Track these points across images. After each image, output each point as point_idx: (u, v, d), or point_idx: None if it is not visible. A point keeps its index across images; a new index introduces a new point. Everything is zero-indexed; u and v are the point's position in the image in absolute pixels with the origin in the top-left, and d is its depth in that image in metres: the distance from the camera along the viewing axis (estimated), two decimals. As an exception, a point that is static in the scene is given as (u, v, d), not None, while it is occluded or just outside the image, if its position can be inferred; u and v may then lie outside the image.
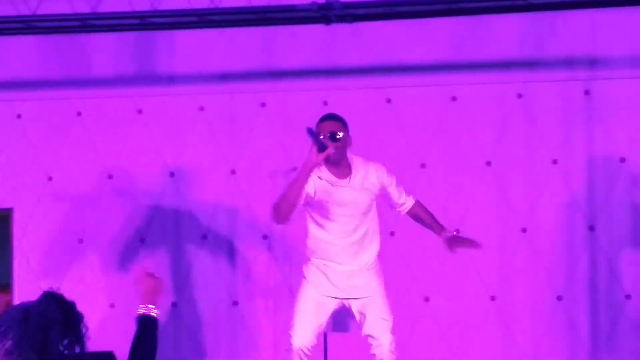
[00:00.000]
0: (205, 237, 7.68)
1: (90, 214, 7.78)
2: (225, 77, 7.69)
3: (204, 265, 7.65)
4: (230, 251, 7.63)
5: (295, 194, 5.81)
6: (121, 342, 7.63)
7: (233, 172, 7.70)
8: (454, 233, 6.15)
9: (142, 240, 7.74)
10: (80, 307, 7.84)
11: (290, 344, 5.91)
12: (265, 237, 7.61)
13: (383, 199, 6.11)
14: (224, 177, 7.67)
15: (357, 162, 6.03)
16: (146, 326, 3.91)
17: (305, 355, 5.90)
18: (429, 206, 7.41)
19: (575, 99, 7.40)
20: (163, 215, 7.72)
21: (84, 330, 3.35)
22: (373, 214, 6.08)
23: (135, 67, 7.75)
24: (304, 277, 6.05)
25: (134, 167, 7.76)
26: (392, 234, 7.50)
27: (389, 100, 7.58)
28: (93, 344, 7.60)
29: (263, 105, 7.68)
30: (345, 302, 6.02)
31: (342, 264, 5.98)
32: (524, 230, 7.41)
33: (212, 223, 7.67)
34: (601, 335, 7.27)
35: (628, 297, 7.29)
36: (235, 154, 7.68)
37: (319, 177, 5.91)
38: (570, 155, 7.40)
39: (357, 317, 6.01)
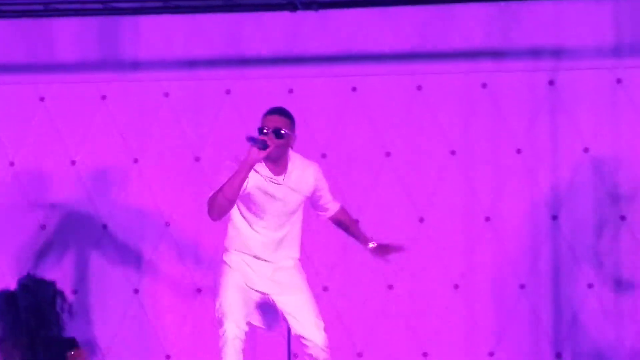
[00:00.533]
0: (168, 224, 7.65)
1: (53, 199, 7.72)
2: (190, 63, 7.66)
3: (168, 252, 7.62)
4: (194, 238, 7.60)
5: (234, 190, 5.64)
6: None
7: (197, 159, 7.67)
8: (377, 243, 6.06)
9: (104, 227, 7.69)
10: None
11: (224, 335, 5.73)
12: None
13: (309, 201, 5.97)
14: (188, 164, 7.64)
15: (295, 161, 5.87)
16: None
17: (241, 342, 5.75)
18: (395, 195, 7.47)
19: (540, 89, 7.44)
20: (126, 201, 7.67)
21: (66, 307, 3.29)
22: (298, 216, 5.92)
23: (100, 53, 7.70)
24: (226, 264, 5.89)
25: (98, 153, 7.71)
26: (356, 221, 7.50)
27: (354, 89, 7.58)
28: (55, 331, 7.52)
29: (228, 92, 7.65)
30: (270, 298, 5.89)
31: (261, 259, 5.87)
32: (487, 219, 7.44)
33: (176, 210, 7.64)
34: (563, 323, 7.32)
35: (590, 286, 7.34)
36: (200, 141, 7.66)
37: (255, 170, 5.76)
38: (535, 145, 7.44)
39: (285, 315, 5.88)
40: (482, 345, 7.37)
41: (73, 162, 7.74)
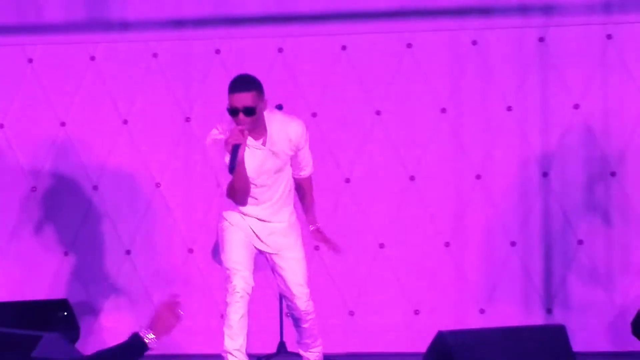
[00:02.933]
0: (159, 185, 7.65)
1: (43, 162, 7.71)
2: (179, 23, 7.62)
3: (159, 212, 7.62)
4: (184, 198, 7.61)
5: (242, 178, 5.68)
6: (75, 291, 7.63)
7: (187, 119, 7.65)
8: (318, 227, 6.05)
9: (95, 188, 7.69)
10: (36, 256, 7.79)
11: (233, 291, 5.75)
12: (219, 184, 7.58)
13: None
14: (178, 124, 7.63)
15: (273, 122, 5.80)
16: (134, 346, 3.77)
17: (248, 297, 5.77)
18: (385, 153, 7.47)
19: (530, 46, 7.43)
20: (117, 162, 7.67)
21: None
22: (287, 172, 5.92)
23: (88, 13, 7.65)
24: (225, 220, 5.89)
25: (87, 114, 7.69)
26: (347, 180, 7.52)
27: (344, 47, 7.55)
28: (47, 293, 7.58)
29: (217, 52, 7.62)
30: (266, 255, 5.95)
31: (260, 220, 5.89)
32: (478, 177, 7.45)
33: (166, 171, 7.63)
34: (554, 280, 7.36)
35: (580, 242, 7.37)
36: (190, 101, 7.64)
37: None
38: (525, 103, 7.43)
39: (274, 272, 5.95)
40: (473, 303, 7.40)
41: (63, 124, 7.72)
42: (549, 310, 7.36)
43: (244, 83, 5.74)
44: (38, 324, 7.04)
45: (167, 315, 3.86)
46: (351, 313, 7.49)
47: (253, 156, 5.76)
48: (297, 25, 7.57)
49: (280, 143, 5.80)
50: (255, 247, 5.92)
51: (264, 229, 5.91)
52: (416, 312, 7.46)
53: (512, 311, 7.32)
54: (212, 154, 5.80)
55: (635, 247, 7.30)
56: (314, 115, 7.48)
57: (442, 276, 7.41)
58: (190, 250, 7.62)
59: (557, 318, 7.24)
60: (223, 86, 7.51)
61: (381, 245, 7.50)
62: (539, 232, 7.39)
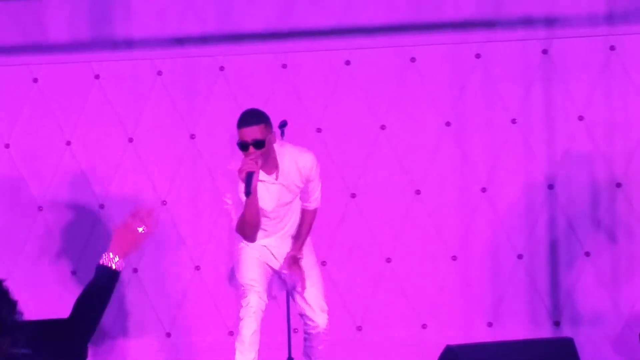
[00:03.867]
0: (165, 202, 7.65)
1: (49, 181, 7.72)
2: (182, 40, 7.64)
3: (165, 230, 7.62)
4: (191, 216, 7.61)
5: (254, 213, 5.77)
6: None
7: (192, 136, 7.66)
8: (296, 255, 6.06)
9: (101, 206, 7.70)
10: (43, 275, 7.83)
11: (247, 306, 5.82)
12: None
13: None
14: (183, 141, 7.64)
15: (284, 154, 5.90)
16: (104, 278, 3.67)
17: (262, 314, 5.84)
18: (391, 167, 7.48)
19: (534, 58, 7.43)
20: (122, 180, 7.68)
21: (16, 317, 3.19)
22: (297, 202, 6.03)
23: (92, 32, 7.67)
24: (240, 241, 6.00)
25: (92, 132, 7.70)
26: (353, 195, 7.52)
27: (347, 62, 7.56)
28: (53, 312, 7.58)
29: (222, 69, 7.64)
30: (283, 276, 6.01)
31: (273, 247, 6.00)
32: (484, 190, 7.45)
33: (172, 188, 7.64)
34: (561, 293, 7.35)
35: (587, 254, 7.36)
36: (195, 118, 7.65)
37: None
38: (529, 115, 7.43)
39: (292, 292, 6.02)
40: (480, 316, 7.39)
41: (68, 143, 7.74)
42: (556, 323, 7.35)
43: (252, 116, 5.84)
44: (46, 343, 7.03)
45: (125, 234, 3.75)
46: (359, 328, 7.49)
47: (267, 191, 5.85)
48: (300, 40, 7.58)
49: (291, 175, 5.88)
50: (271, 267, 5.95)
51: (280, 249, 5.99)
52: (424, 327, 7.45)
53: (520, 324, 7.31)
54: (222, 186, 5.92)
55: (642, 258, 7.30)
56: (319, 130, 7.49)
57: (449, 290, 7.40)
58: (197, 268, 7.62)
59: (565, 331, 7.22)
60: (227, 103, 7.58)
61: (388, 260, 7.50)
62: (545, 244, 7.38)
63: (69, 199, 7.71)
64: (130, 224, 3.77)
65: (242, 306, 5.85)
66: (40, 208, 7.73)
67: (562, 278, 7.36)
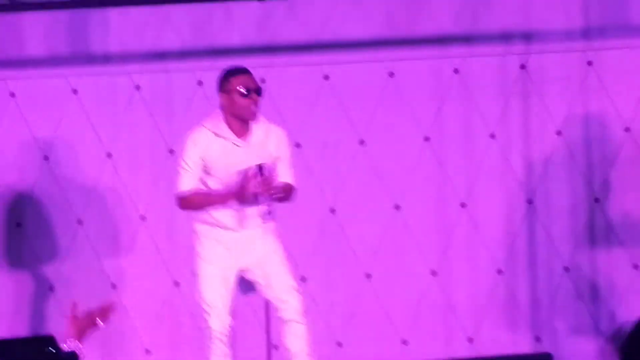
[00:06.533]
0: (144, 217, 7.61)
1: (27, 196, 7.66)
2: (161, 55, 7.61)
3: (144, 246, 7.59)
4: (170, 231, 7.57)
5: (212, 207, 5.72)
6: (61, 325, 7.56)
7: (171, 151, 7.63)
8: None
9: (79, 222, 7.64)
10: (19, 288, 7.75)
11: (208, 332, 5.75)
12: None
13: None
14: (161, 156, 7.60)
15: (259, 123, 5.85)
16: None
17: (226, 337, 5.75)
18: (370, 182, 7.48)
19: (512, 73, 7.47)
20: (101, 196, 7.63)
21: None
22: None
23: (70, 47, 7.63)
24: (198, 255, 5.87)
25: (70, 148, 7.65)
26: (332, 210, 7.51)
27: (326, 77, 7.56)
28: (32, 329, 7.51)
29: (200, 83, 7.62)
30: (245, 270, 5.85)
31: (234, 230, 5.80)
32: (463, 205, 7.47)
33: (151, 203, 7.60)
34: (541, 308, 7.37)
35: (567, 269, 7.39)
36: (173, 133, 7.61)
37: (215, 134, 5.76)
38: (508, 130, 7.47)
39: (258, 284, 5.84)
40: (461, 332, 7.40)
41: (46, 158, 7.68)
42: (537, 339, 7.37)
43: (245, 67, 5.84)
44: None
45: (83, 322, 3.87)
46: (339, 344, 7.48)
47: (234, 153, 5.72)
48: (279, 55, 7.58)
49: (261, 147, 5.79)
50: (233, 276, 5.80)
51: (237, 241, 5.80)
52: (404, 342, 7.45)
53: (500, 339, 7.33)
54: (189, 150, 5.84)
55: (621, 272, 7.33)
56: (298, 145, 7.48)
57: (429, 305, 7.40)
58: (177, 284, 7.58)
59: (546, 346, 7.24)
60: (206, 117, 7.54)
61: (367, 275, 7.49)
62: (525, 259, 7.41)
63: (46, 215, 7.65)
64: (91, 315, 3.85)
65: (205, 333, 5.77)
66: (18, 224, 7.66)
67: (542, 293, 7.38)
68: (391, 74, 7.53)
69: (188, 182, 5.85)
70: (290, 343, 5.85)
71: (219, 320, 5.72)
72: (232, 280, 5.83)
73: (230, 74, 5.84)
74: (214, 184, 5.83)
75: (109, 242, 7.60)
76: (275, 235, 5.93)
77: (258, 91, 5.75)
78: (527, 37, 7.45)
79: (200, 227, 5.89)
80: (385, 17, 7.51)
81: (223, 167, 5.76)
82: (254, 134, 5.78)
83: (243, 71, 5.84)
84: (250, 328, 7.22)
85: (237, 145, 5.74)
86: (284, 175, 5.89)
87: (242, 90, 5.71)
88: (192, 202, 5.78)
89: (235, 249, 5.83)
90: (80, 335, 3.77)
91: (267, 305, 6.27)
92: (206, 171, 5.84)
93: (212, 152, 5.74)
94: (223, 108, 5.85)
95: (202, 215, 5.86)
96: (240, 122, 5.75)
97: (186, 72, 7.59)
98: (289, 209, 6.16)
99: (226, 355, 5.73)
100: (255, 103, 5.72)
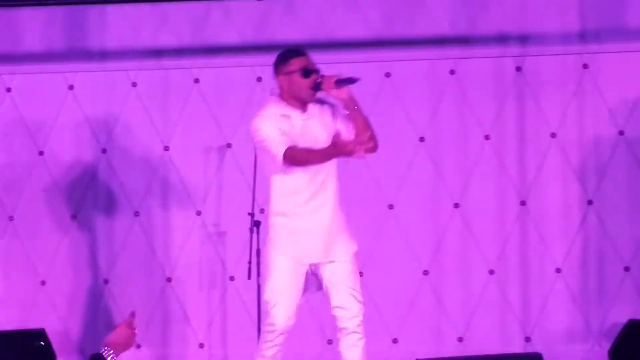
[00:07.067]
0: (138, 214, 7.64)
1: (21, 191, 7.69)
2: (157, 52, 7.64)
3: (137, 242, 7.61)
4: (163, 227, 7.60)
5: (311, 158, 5.55)
6: (51, 319, 7.59)
7: (166, 148, 7.66)
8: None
9: (73, 217, 7.67)
10: (10, 284, 7.79)
11: (272, 324, 5.55)
12: (198, 213, 7.59)
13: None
14: (157, 153, 7.63)
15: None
16: None
17: (287, 334, 5.57)
18: (364, 182, 7.49)
19: (507, 75, 7.47)
20: (96, 191, 7.66)
21: None
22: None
23: (67, 42, 7.66)
24: (272, 245, 5.64)
25: (66, 143, 7.69)
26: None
27: (322, 76, 7.56)
28: (24, 322, 7.54)
29: (196, 81, 7.64)
30: (314, 267, 5.67)
31: (308, 218, 5.62)
32: (456, 205, 7.48)
33: (145, 199, 7.62)
34: (532, 309, 7.37)
35: (558, 270, 7.39)
36: (169, 130, 7.64)
37: (280, 114, 5.62)
38: (502, 131, 7.47)
39: (325, 282, 5.66)
40: (451, 331, 7.41)
41: (41, 153, 7.71)
42: (527, 339, 7.37)
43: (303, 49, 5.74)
44: (14, 355, 6.99)
45: (126, 333, 3.97)
46: (329, 342, 7.47)
47: (302, 127, 5.60)
48: (275, 54, 7.57)
49: (322, 115, 5.69)
50: (304, 271, 5.63)
51: (314, 233, 5.65)
52: (394, 341, 7.46)
53: (491, 339, 7.33)
54: (263, 128, 5.57)
55: (612, 275, 7.33)
56: (293, 144, 7.49)
57: (420, 304, 7.41)
58: (169, 279, 7.60)
59: (536, 346, 7.24)
60: (202, 115, 7.58)
61: (360, 274, 7.47)
62: (517, 260, 7.41)
63: (41, 209, 7.68)
64: (131, 325, 3.98)
65: (266, 324, 5.58)
66: (11, 218, 7.69)
67: (533, 294, 7.39)
68: (387, 74, 7.55)
69: (281, 144, 5.54)
70: (347, 355, 5.69)
71: (284, 314, 5.54)
72: (302, 275, 5.64)
73: (291, 55, 5.72)
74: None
75: (102, 236, 7.62)
76: (353, 241, 5.82)
77: (317, 72, 5.68)
78: (523, 39, 7.46)
79: (276, 219, 5.67)
80: (382, 18, 7.53)
81: (294, 139, 5.58)
82: (310, 109, 5.69)
83: (302, 52, 5.73)
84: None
85: (303, 120, 5.63)
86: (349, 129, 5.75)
87: (304, 70, 5.65)
88: (298, 155, 5.51)
89: (311, 242, 5.65)
90: (118, 349, 3.83)
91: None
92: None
93: (284, 125, 5.58)
94: (281, 90, 5.71)
95: (279, 206, 5.66)
96: (298, 103, 5.65)
97: (182, 69, 7.61)
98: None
99: (279, 351, 5.59)
100: (314, 84, 5.62)
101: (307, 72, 5.67)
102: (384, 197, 7.51)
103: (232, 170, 7.53)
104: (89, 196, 7.65)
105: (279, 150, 5.54)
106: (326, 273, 5.70)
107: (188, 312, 7.51)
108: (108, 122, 7.66)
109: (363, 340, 5.67)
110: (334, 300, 5.68)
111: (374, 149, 5.78)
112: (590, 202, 7.39)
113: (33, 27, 7.65)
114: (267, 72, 7.53)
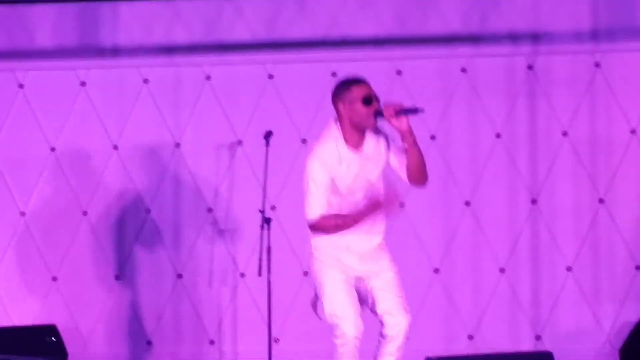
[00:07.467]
0: (149, 210, 7.65)
1: (32, 187, 7.71)
2: (170, 49, 7.65)
3: (149, 238, 7.63)
4: (175, 224, 7.61)
5: (342, 229, 5.51)
6: (64, 315, 7.61)
7: (178, 145, 7.67)
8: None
9: (84, 213, 7.69)
10: (23, 280, 7.82)
11: (343, 337, 5.49)
12: (209, 210, 7.61)
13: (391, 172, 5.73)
14: (168, 150, 7.64)
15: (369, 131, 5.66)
16: None
17: (359, 341, 5.54)
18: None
19: (519, 74, 7.47)
20: (107, 188, 7.67)
21: None
22: (379, 183, 5.65)
23: (79, 39, 7.68)
24: (317, 262, 5.60)
25: (77, 140, 7.70)
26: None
27: (334, 74, 7.57)
28: (36, 318, 7.57)
29: (208, 78, 7.65)
30: (360, 279, 5.65)
31: (351, 247, 5.63)
32: (467, 204, 7.48)
33: (156, 196, 7.64)
34: (543, 307, 7.37)
35: (569, 269, 7.39)
36: (180, 127, 7.66)
37: (339, 151, 5.52)
38: (514, 130, 7.47)
39: (374, 292, 5.63)
40: (461, 329, 7.41)
41: (53, 149, 7.73)
42: (537, 337, 7.37)
43: (363, 77, 5.64)
44: (26, 350, 7.02)
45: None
46: (340, 339, 7.49)
47: (355, 166, 5.53)
48: (287, 52, 7.60)
49: (377, 150, 5.62)
50: (353, 281, 5.62)
51: (356, 253, 5.65)
52: (406, 338, 7.45)
53: (501, 337, 7.33)
54: (315, 177, 5.51)
55: (623, 273, 7.32)
56: (304, 141, 7.51)
57: (431, 302, 7.41)
58: (180, 276, 7.62)
59: (546, 344, 7.24)
60: (213, 112, 7.59)
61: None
62: (528, 258, 7.41)
63: (52, 206, 7.70)
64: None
65: (337, 336, 5.53)
66: (22, 214, 7.71)
67: (544, 292, 7.38)
68: (399, 72, 7.55)
69: (319, 207, 5.50)
70: (384, 358, 5.70)
71: (353, 325, 5.46)
72: (353, 285, 5.62)
73: (352, 83, 5.59)
74: (334, 200, 5.58)
75: (113, 233, 7.63)
76: (388, 251, 5.80)
77: (378, 100, 5.57)
78: (535, 38, 7.46)
79: (321, 247, 5.63)
80: (394, 16, 7.53)
81: (347, 183, 5.55)
82: (366, 143, 5.61)
83: (363, 81, 5.61)
84: (251, 320, 7.26)
85: (359, 164, 5.55)
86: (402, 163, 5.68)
87: (366, 98, 5.56)
88: (327, 227, 5.51)
89: (353, 259, 5.64)
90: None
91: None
92: (332, 190, 5.58)
93: (339, 169, 5.51)
94: (342, 118, 5.58)
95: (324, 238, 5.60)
96: (357, 132, 5.56)
97: (194, 66, 7.63)
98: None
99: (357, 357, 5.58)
100: (375, 112, 5.53)
101: (369, 100, 5.55)
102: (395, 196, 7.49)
103: (243, 167, 7.54)
104: (100, 192, 7.66)
105: (314, 214, 5.50)
106: (373, 282, 5.65)
107: (199, 308, 7.52)
108: (120, 118, 7.67)
109: (400, 352, 5.65)
110: (382, 306, 5.64)
111: (424, 184, 5.70)
112: (601, 201, 7.39)
113: (45, 24, 7.67)
114: (279, 70, 7.58)
